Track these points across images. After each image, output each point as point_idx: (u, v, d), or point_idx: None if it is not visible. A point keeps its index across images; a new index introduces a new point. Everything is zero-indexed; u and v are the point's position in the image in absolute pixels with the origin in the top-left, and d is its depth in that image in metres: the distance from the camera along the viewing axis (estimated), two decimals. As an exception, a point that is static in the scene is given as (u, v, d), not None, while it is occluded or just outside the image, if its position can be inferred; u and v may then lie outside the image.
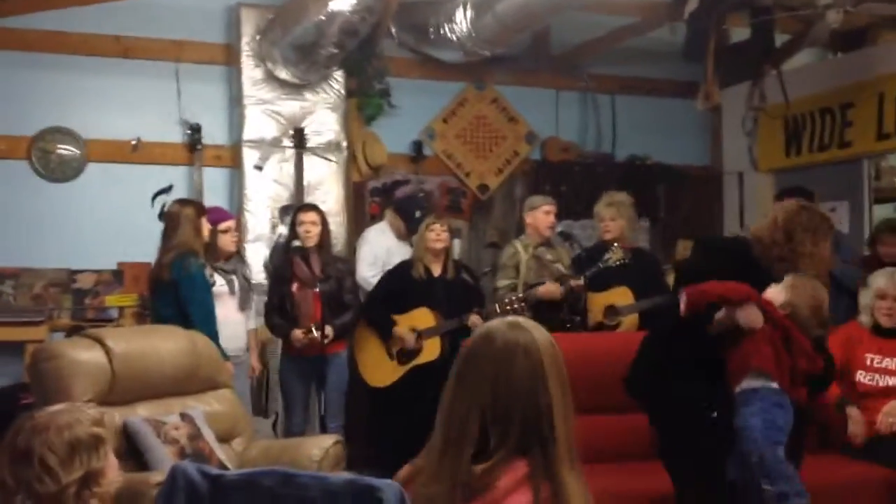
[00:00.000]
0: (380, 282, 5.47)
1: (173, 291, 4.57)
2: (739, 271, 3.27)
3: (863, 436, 4.18)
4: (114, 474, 2.15)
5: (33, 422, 2.09)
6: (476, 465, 1.61)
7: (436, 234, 5.25)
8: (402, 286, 5.27)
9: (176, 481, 1.41)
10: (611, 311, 5.37)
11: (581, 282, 5.26)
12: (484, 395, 1.67)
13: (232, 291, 5.01)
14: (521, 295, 5.12)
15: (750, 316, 3.18)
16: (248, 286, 5.18)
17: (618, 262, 5.27)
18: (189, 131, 6.09)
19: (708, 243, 4.10)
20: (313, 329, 4.94)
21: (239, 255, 5.40)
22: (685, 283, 3.33)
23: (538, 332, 1.74)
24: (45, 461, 2.03)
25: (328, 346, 4.95)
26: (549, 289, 5.22)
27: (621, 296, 5.38)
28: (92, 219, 5.97)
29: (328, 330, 4.93)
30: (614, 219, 5.52)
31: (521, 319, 1.77)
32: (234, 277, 5.06)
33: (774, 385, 3.17)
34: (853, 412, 4.22)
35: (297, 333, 4.98)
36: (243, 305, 5.11)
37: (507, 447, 1.63)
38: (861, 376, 4.36)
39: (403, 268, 5.38)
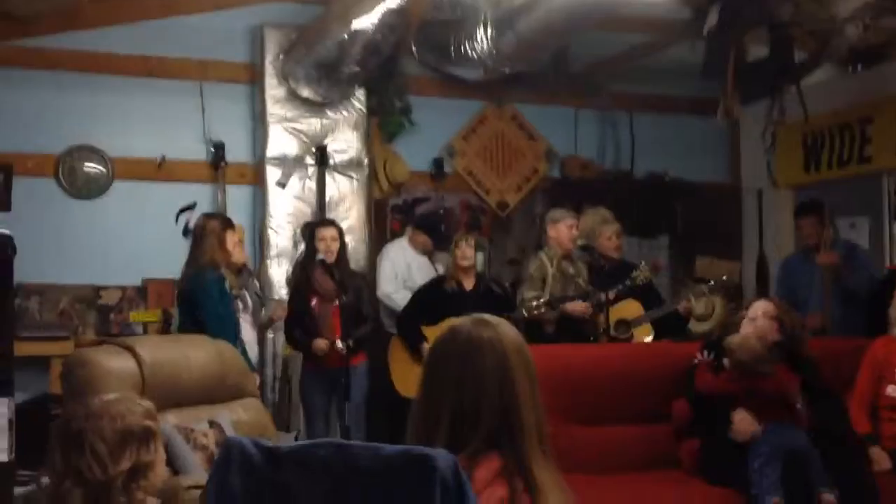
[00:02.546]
0: (414, 296, 5.56)
1: (190, 304, 4.63)
2: None
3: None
4: (162, 468, 2.13)
5: (87, 408, 2.07)
6: None
7: (461, 251, 5.36)
8: (435, 299, 5.36)
9: (230, 454, 1.44)
10: (622, 324, 5.40)
11: (611, 296, 5.27)
12: (452, 392, 1.66)
13: (245, 308, 5.04)
14: (548, 299, 5.14)
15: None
16: (259, 302, 5.21)
17: (643, 282, 5.32)
18: (213, 149, 6.16)
19: None
20: (338, 342, 4.96)
21: (247, 268, 5.42)
22: None
23: (504, 328, 1.72)
24: (95, 449, 2.01)
25: (350, 359, 4.97)
26: (578, 307, 5.24)
27: (631, 309, 5.40)
28: (117, 236, 6.02)
29: (349, 342, 4.97)
30: (619, 236, 5.60)
31: (487, 316, 1.75)
32: (245, 292, 5.09)
33: None
34: (875, 452, 4.09)
35: (320, 342, 5.01)
36: (257, 321, 5.16)
37: (479, 440, 1.62)
38: (892, 390, 4.22)
39: (437, 282, 5.52)
